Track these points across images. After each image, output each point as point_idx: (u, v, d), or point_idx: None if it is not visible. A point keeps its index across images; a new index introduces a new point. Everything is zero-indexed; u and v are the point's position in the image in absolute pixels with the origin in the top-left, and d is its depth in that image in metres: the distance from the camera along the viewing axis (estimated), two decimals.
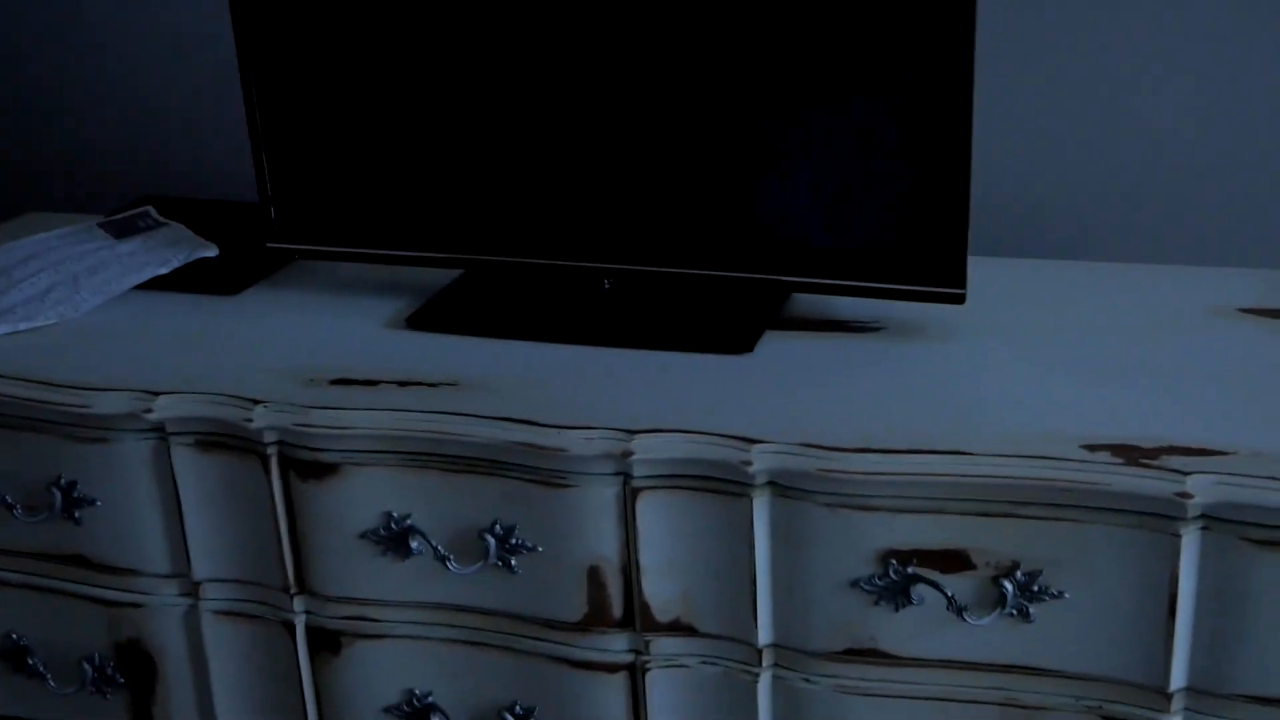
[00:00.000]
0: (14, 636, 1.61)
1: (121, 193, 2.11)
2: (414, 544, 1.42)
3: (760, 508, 1.32)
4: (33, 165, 2.24)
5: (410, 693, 1.50)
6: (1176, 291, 1.60)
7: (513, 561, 1.40)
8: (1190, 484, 1.21)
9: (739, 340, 1.49)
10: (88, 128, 2.18)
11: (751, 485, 1.31)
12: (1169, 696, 1.29)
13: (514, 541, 1.39)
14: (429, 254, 1.61)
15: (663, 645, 1.40)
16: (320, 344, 1.55)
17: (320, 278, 1.74)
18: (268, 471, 1.44)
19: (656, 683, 1.41)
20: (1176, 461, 1.24)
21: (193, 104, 2.09)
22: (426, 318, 1.59)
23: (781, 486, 1.31)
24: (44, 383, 1.49)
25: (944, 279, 1.45)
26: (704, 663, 1.40)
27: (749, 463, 1.30)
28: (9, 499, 1.53)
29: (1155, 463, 1.24)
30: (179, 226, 1.84)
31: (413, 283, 1.68)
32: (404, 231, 1.61)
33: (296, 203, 1.64)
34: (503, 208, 1.57)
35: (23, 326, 1.61)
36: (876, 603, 1.33)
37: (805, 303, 1.60)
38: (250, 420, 1.42)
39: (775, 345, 1.50)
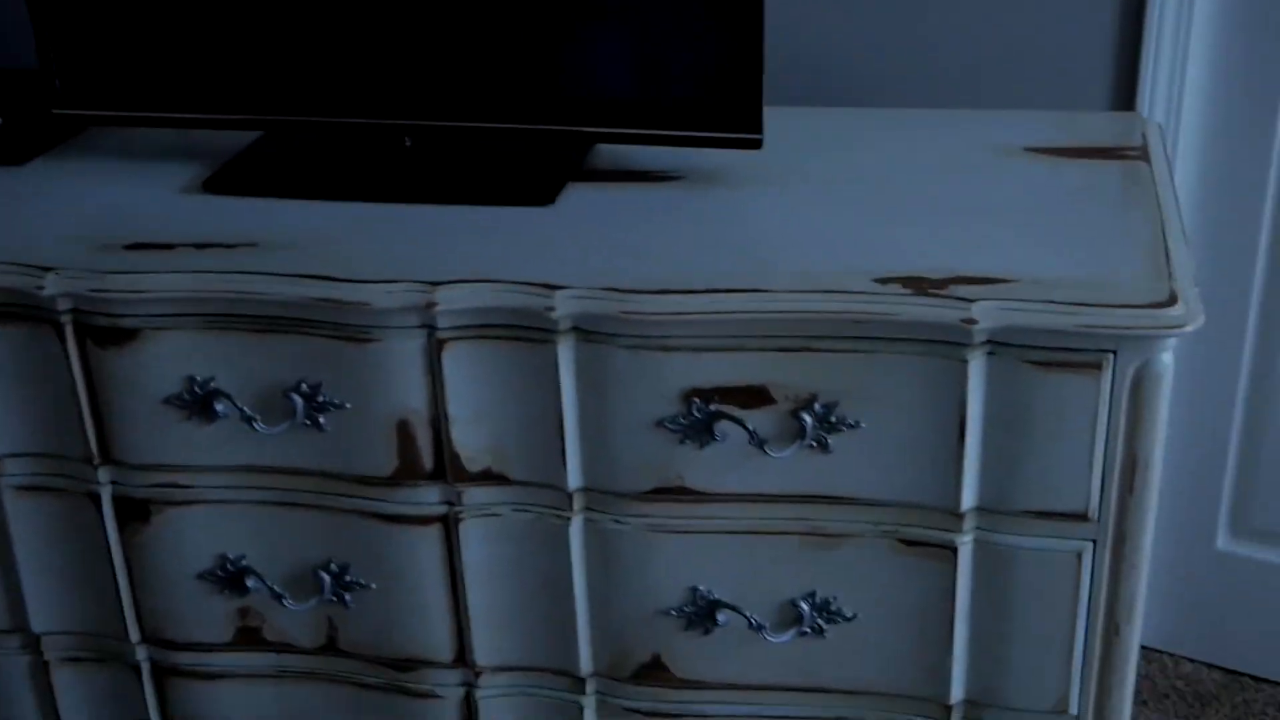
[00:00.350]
0: None
1: None
2: (219, 407, 1.41)
3: (565, 353, 1.34)
4: None
5: (223, 557, 1.49)
6: (966, 134, 1.64)
7: (321, 419, 1.40)
8: (975, 310, 1.26)
9: (541, 192, 1.50)
10: None
11: (555, 331, 1.33)
12: (961, 516, 1.35)
13: (321, 399, 1.39)
14: (224, 116, 1.57)
15: (475, 495, 1.42)
16: (113, 211, 1.52)
17: (111, 144, 1.69)
18: (63, 340, 1.41)
19: (470, 532, 1.43)
20: (963, 290, 1.28)
21: None
22: (224, 181, 1.56)
23: (585, 331, 1.33)
24: None
25: (741, 125, 1.47)
26: (516, 510, 1.43)
27: (552, 308, 1.31)
28: None
29: (943, 292, 1.28)
30: None
31: (208, 147, 1.65)
32: (198, 94, 1.57)
33: (82, 67, 1.58)
34: (299, 66, 1.54)
35: None
36: (682, 441, 1.36)
37: (607, 154, 1.60)
38: (42, 288, 1.38)
39: (577, 196, 1.51)
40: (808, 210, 1.47)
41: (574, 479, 1.40)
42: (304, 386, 1.39)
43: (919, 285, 1.29)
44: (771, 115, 1.48)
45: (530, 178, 1.52)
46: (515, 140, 1.55)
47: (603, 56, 1.48)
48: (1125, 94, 1.77)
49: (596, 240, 1.41)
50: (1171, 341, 1.27)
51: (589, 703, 1.51)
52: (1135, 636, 1.42)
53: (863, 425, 1.33)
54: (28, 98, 1.76)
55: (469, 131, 1.53)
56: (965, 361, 1.28)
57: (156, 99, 1.58)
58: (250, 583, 1.49)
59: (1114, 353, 1.27)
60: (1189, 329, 1.25)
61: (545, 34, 1.48)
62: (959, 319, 1.26)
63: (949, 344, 1.28)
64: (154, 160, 1.64)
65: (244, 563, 1.49)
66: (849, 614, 1.42)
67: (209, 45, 1.55)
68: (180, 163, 1.62)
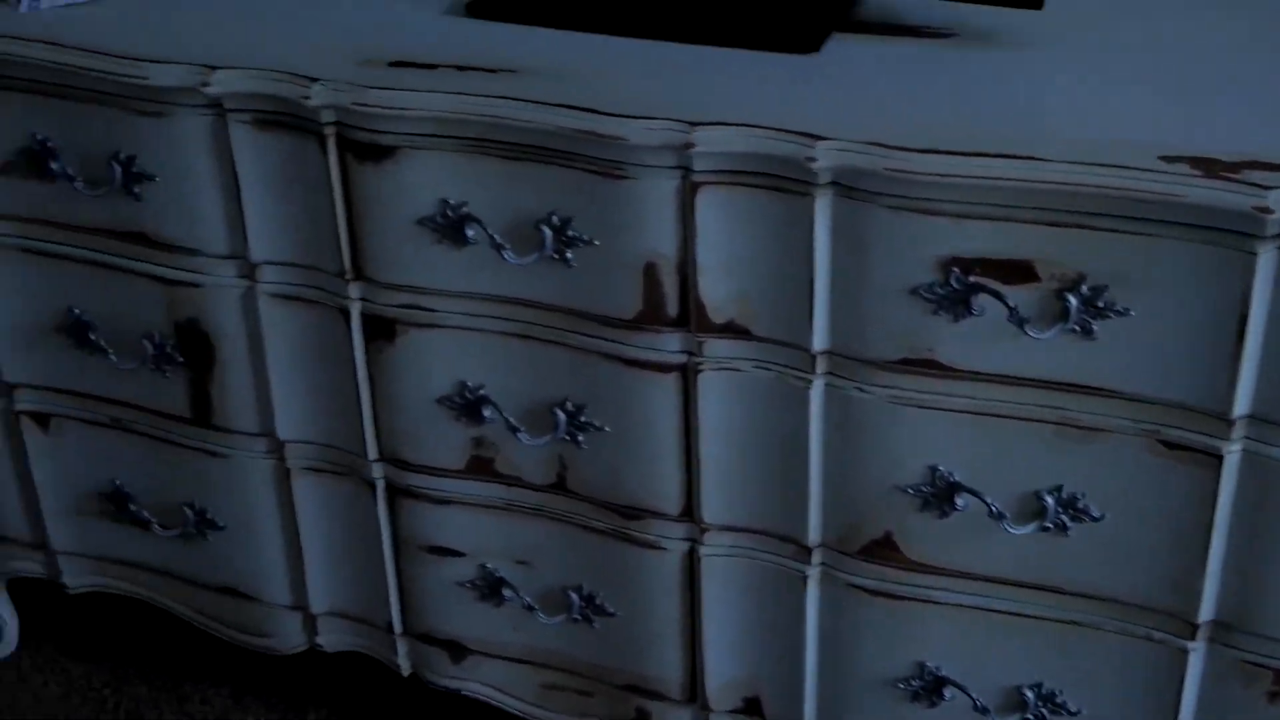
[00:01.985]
0: (75, 311, 1.62)
1: None
2: (470, 232, 1.40)
3: (822, 208, 1.28)
4: None
5: (463, 384, 1.49)
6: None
7: (568, 254, 1.38)
8: (1271, 199, 1.16)
9: (805, 39, 1.43)
10: None
11: (814, 184, 1.27)
12: (1231, 423, 1.26)
13: (570, 233, 1.37)
14: None
15: (716, 347, 1.39)
16: (378, 27, 1.50)
17: None
18: (325, 152, 1.42)
19: (708, 385, 1.40)
20: (1258, 176, 1.18)
21: None
22: (487, 5, 1.53)
23: (845, 186, 1.27)
24: (101, 53, 1.46)
25: None
26: (757, 367, 1.39)
27: (813, 159, 1.25)
28: (70, 170, 1.52)
29: (1235, 176, 1.18)
30: None
31: None
32: None
33: None
34: None
35: None
36: (936, 312, 1.29)
37: (876, 6, 1.51)
38: (308, 98, 1.39)
39: (843, 47, 1.43)
40: (1089, 77, 1.36)
41: (819, 340, 1.35)
42: (554, 219, 1.37)
43: (1209, 167, 1.19)
44: None
45: (795, 24, 1.45)
46: None
47: None
48: None
49: (861, 92, 1.34)
50: None
51: (814, 574, 1.47)
52: None
53: (1132, 313, 1.24)
54: None
55: None
56: (1254, 254, 1.18)
57: None
58: (486, 412, 1.49)
59: None
60: None
61: None
62: (1251, 206, 1.16)
63: (1237, 234, 1.18)
64: None
65: (482, 391, 1.49)
66: (1096, 514, 1.34)
67: None
68: None
